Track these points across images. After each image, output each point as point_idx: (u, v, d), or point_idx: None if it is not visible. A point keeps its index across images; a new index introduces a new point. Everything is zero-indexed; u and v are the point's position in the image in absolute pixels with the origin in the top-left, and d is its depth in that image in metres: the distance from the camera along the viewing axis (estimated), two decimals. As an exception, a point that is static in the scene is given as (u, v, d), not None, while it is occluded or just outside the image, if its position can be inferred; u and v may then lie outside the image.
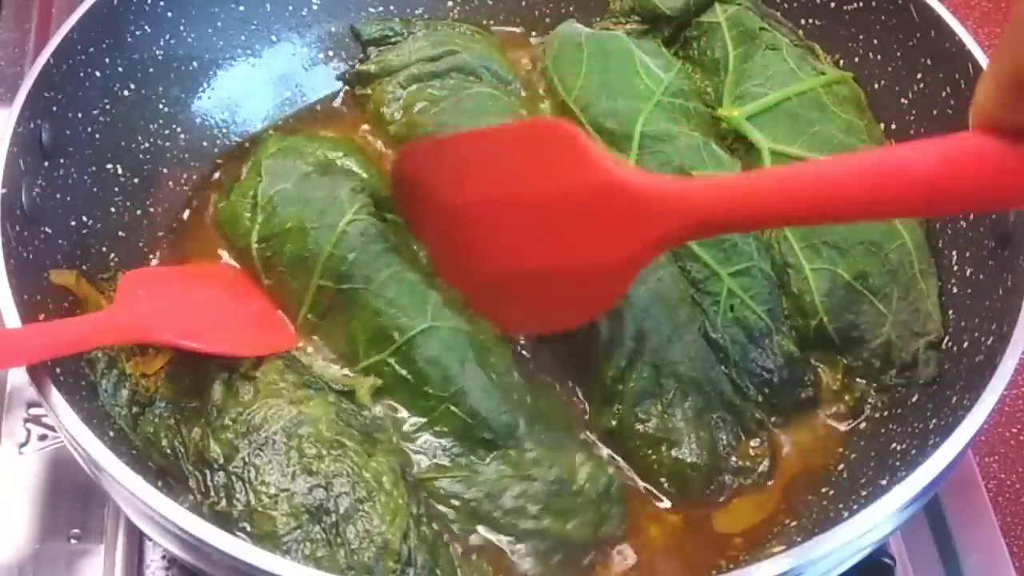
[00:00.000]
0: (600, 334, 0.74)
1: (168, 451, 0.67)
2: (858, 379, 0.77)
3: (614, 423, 0.73)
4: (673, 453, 0.72)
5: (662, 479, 0.73)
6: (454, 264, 0.74)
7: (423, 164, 0.76)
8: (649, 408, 0.73)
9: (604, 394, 0.74)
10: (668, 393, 0.73)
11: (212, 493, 0.65)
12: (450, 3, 0.95)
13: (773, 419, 0.76)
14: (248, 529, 0.63)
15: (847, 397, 0.77)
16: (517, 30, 0.96)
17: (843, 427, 0.76)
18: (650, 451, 0.73)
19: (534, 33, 0.95)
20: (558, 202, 0.65)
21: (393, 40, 0.92)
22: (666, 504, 0.72)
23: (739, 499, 0.73)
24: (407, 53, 0.89)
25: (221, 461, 0.65)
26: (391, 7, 0.94)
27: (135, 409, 0.69)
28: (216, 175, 0.87)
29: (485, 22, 0.95)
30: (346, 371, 0.73)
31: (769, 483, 0.74)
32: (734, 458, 0.74)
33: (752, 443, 0.74)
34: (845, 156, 0.63)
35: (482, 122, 0.82)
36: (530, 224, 0.67)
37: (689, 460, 0.72)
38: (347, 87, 0.92)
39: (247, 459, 0.65)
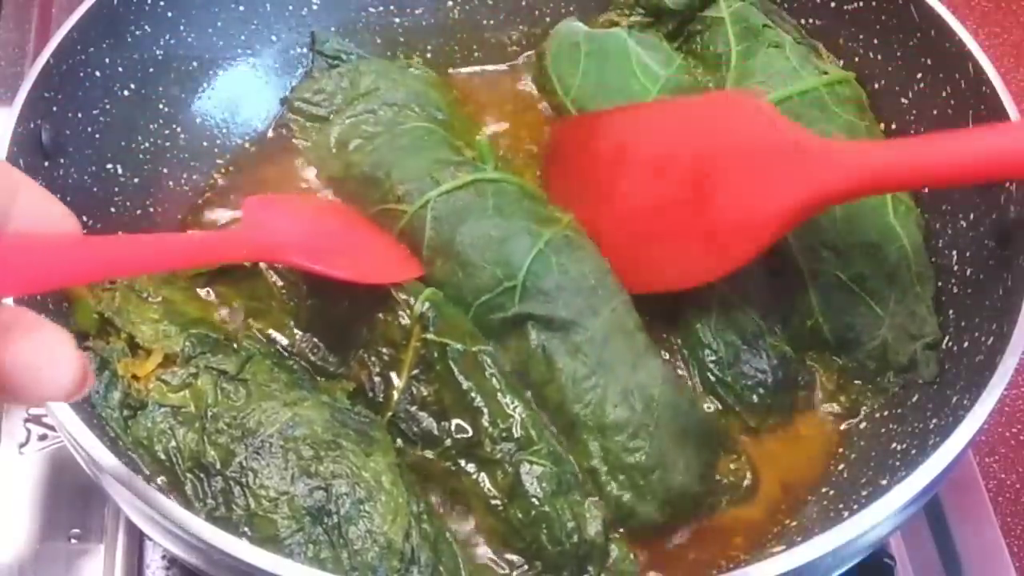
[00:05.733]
0: (561, 372, 0.71)
1: (163, 456, 0.66)
2: (854, 381, 0.77)
3: (596, 463, 0.70)
4: (664, 480, 0.70)
5: (653, 510, 0.70)
6: (606, 219, 0.75)
7: (583, 134, 0.78)
8: (633, 437, 0.70)
9: (576, 434, 0.71)
10: (649, 420, 0.70)
11: (210, 499, 0.65)
12: (450, 3, 0.95)
13: (770, 420, 0.76)
14: (249, 534, 0.63)
15: (842, 398, 0.77)
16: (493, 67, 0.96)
17: (842, 427, 0.76)
18: (641, 481, 0.70)
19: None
20: (725, 155, 0.69)
21: (344, 60, 0.90)
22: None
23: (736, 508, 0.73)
24: (346, 84, 0.87)
25: (218, 466, 0.65)
26: (391, 7, 0.94)
27: (126, 412, 0.67)
28: (216, 176, 0.87)
29: (485, 22, 0.95)
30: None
31: (755, 496, 0.73)
32: (718, 476, 0.73)
33: (731, 458, 0.74)
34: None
35: (421, 157, 0.79)
36: (692, 175, 0.70)
37: (678, 486, 0.70)
38: (289, 115, 0.90)
39: (244, 463, 0.65)
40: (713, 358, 0.76)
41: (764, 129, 0.69)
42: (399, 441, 0.70)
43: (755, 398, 0.76)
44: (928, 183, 0.72)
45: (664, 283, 0.74)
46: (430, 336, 0.70)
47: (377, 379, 0.71)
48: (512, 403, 0.69)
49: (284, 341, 0.74)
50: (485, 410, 0.69)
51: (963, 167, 0.62)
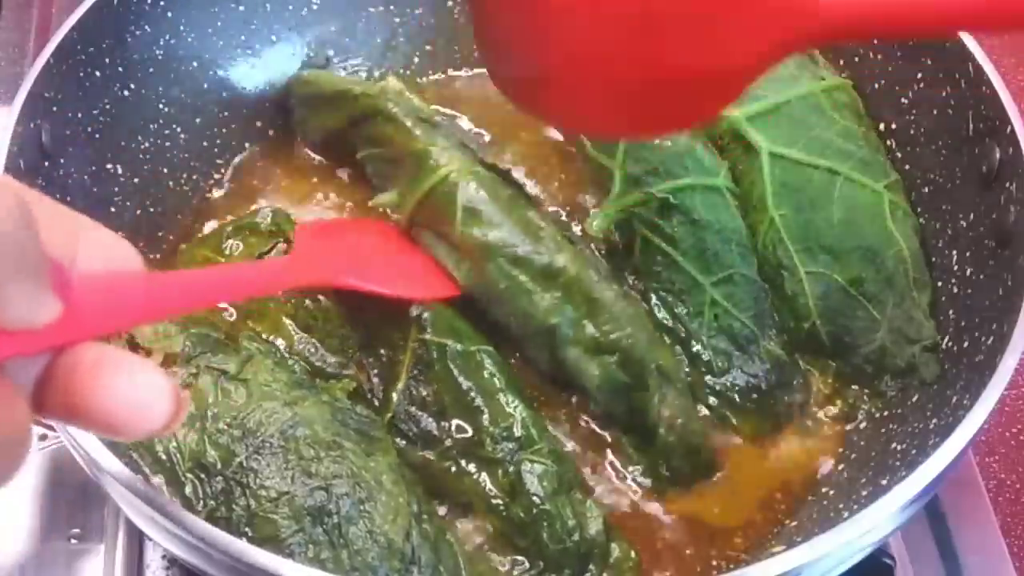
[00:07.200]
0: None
1: (163, 456, 0.66)
2: (851, 385, 0.77)
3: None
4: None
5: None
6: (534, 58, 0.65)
7: None
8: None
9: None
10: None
11: (211, 499, 0.64)
12: (451, 3, 0.95)
13: (765, 425, 0.76)
14: (249, 534, 0.62)
15: (839, 402, 0.77)
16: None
17: (841, 428, 0.76)
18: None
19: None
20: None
21: None
22: (666, 502, 0.73)
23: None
24: None
25: (219, 466, 0.65)
26: (391, 7, 0.94)
27: None
28: (216, 175, 0.87)
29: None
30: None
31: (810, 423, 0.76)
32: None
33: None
34: None
35: None
36: (644, 21, 0.58)
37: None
38: None
39: (244, 463, 0.65)
40: (704, 368, 0.76)
41: None
42: (400, 442, 0.70)
43: (749, 404, 0.76)
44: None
45: (631, 129, 0.67)
46: (428, 336, 0.70)
47: (376, 380, 0.71)
48: (512, 402, 0.69)
49: (282, 343, 0.74)
50: (485, 410, 0.69)
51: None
